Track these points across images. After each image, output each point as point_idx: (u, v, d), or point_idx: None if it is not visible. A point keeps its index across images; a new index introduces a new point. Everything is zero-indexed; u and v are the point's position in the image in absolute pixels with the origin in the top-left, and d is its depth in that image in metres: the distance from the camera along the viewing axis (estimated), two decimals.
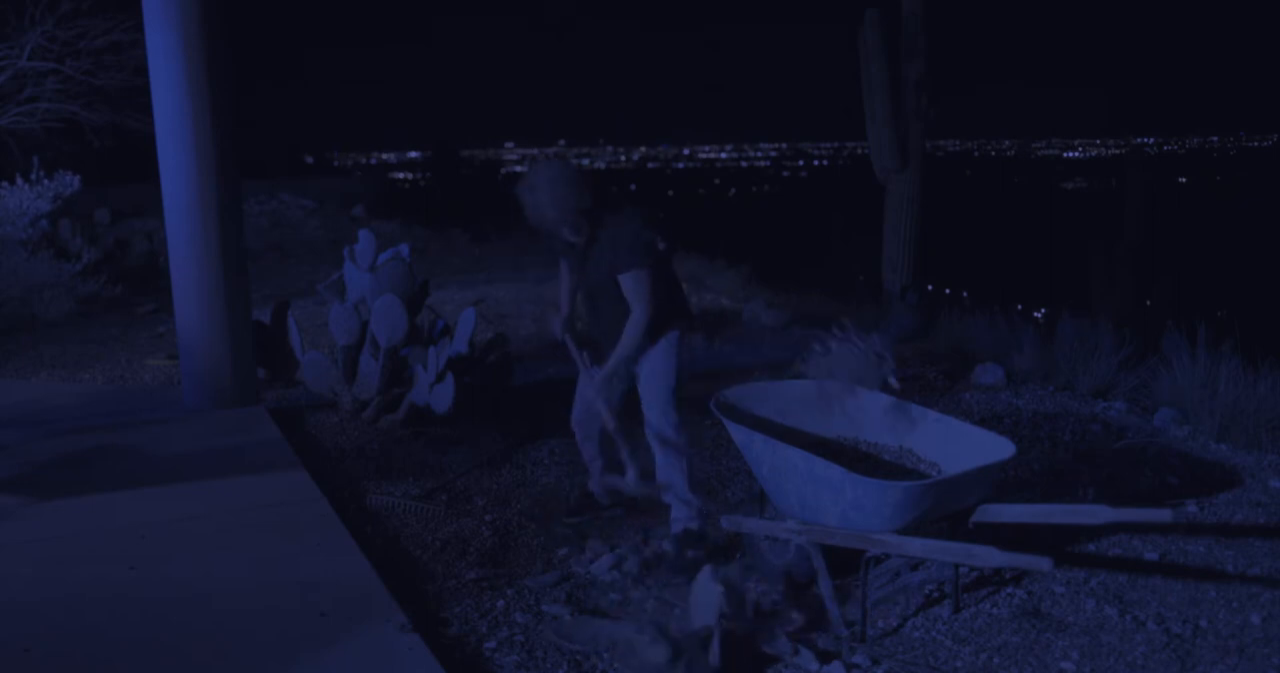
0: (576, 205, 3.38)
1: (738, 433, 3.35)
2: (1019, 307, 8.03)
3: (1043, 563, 2.71)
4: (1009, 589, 3.24)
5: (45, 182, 9.80)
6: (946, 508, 3.03)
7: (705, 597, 2.77)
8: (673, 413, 3.56)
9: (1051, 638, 2.96)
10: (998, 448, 3.10)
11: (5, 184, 9.72)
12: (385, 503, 4.01)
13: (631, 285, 3.41)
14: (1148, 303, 8.14)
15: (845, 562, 3.15)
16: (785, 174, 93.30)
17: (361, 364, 5.09)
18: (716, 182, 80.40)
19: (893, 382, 3.40)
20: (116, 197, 14.43)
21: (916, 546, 2.91)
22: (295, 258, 12.29)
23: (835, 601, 3.02)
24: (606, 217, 3.46)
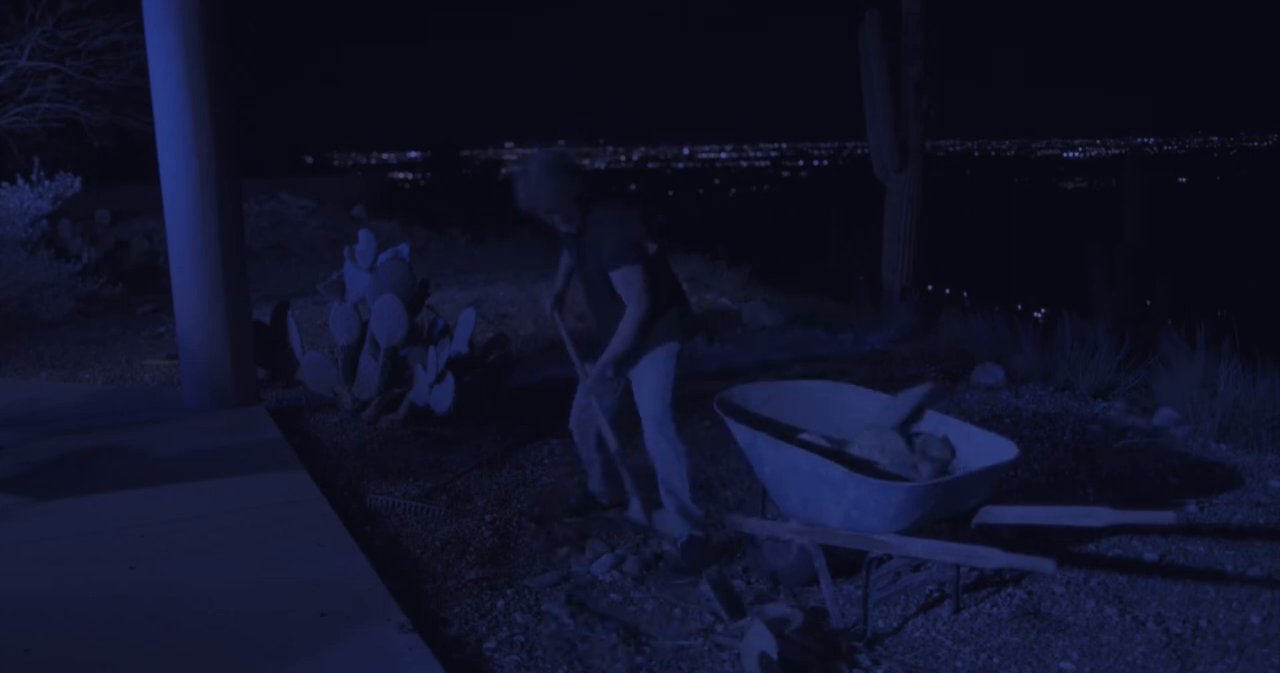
0: (566, 193, 3.39)
1: (741, 433, 3.35)
2: (1019, 307, 8.03)
3: (1046, 565, 2.70)
4: (1009, 589, 3.24)
5: (46, 182, 9.79)
6: (949, 509, 3.03)
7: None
8: (670, 423, 3.53)
9: (1051, 638, 2.96)
10: (1001, 450, 3.09)
11: (5, 184, 9.71)
12: (385, 503, 4.01)
13: (623, 282, 3.39)
14: (1147, 303, 8.13)
15: (847, 562, 3.15)
16: (785, 174, 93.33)
17: (361, 364, 5.08)
18: (716, 182, 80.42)
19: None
20: (116, 197, 14.43)
21: (919, 546, 2.90)
22: (295, 258, 12.29)
23: (837, 601, 3.02)
24: (600, 210, 3.45)
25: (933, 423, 3.37)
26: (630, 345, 3.48)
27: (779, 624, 2.87)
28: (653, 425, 3.53)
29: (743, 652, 2.77)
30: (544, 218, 3.50)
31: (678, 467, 3.56)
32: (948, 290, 10.06)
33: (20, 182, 9.70)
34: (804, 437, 3.45)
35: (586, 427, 3.81)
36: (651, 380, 3.52)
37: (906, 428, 3.36)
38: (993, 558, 2.81)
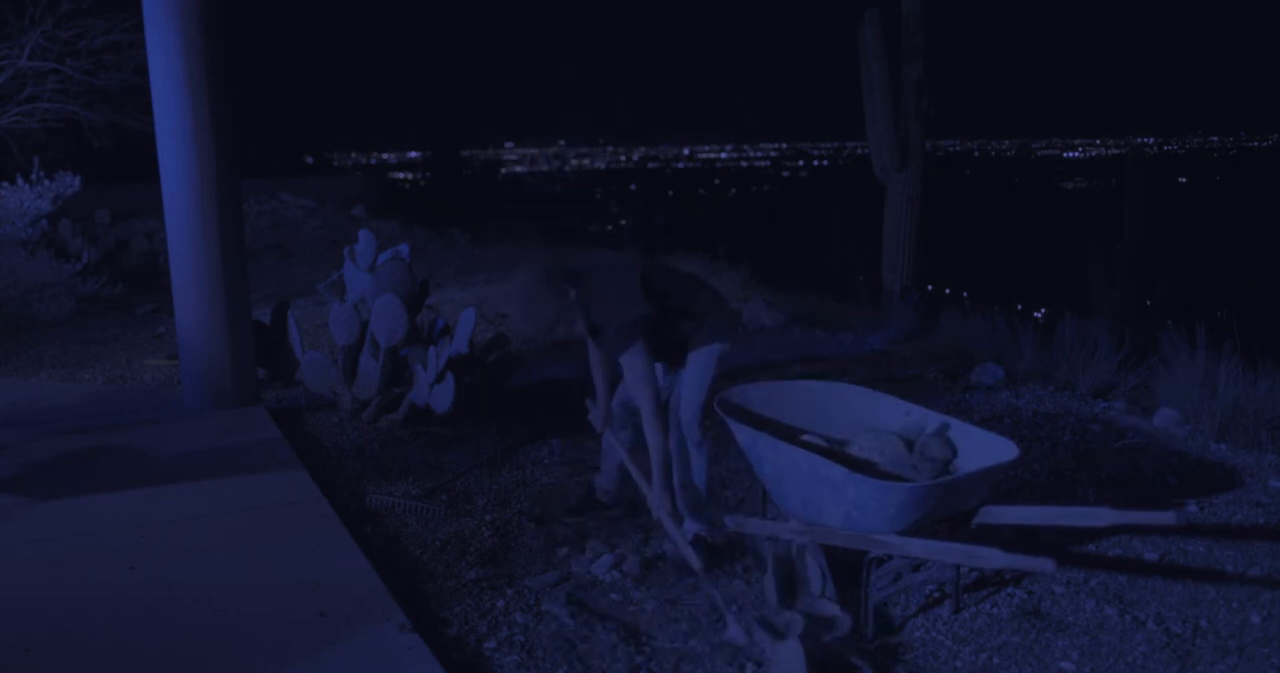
0: (552, 316, 3.29)
1: (741, 433, 3.35)
2: (1019, 307, 8.03)
3: (1046, 564, 2.70)
4: (1009, 590, 3.24)
5: (45, 182, 9.80)
6: (949, 510, 3.02)
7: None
8: (696, 428, 3.53)
9: (1051, 638, 2.96)
10: (1001, 450, 3.09)
11: (5, 184, 9.72)
12: (385, 503, 4.01)
13: (628, 369, 3.29)
14: (1147, 303, 8.14)
15: (847, 563, 3.15)
16: (785, 174, 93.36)
17: (361, 364, 5.08)
18: (716, 182, 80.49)
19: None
20: (116, 197, 14.44)
21: (919, 546, 2.90)
22: (295, 258, 12.29)
23: (837, 601, 3.01)
24: (597, 301, 3.31)
25: (933, 423, 3.37)
26: (666, 446, 3.34)
27: (824, 624, 2.84)
28: (690, 422, 3.53)
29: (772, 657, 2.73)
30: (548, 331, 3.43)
31: (698, 469, 3.57)
32: (948, 290, 10.06)
33: (20, 181, 9.70)
34: (805, 438, 3.45)
35: (628, 410, 3.74)
36: (693, 381, 3.51)
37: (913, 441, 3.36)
38: (993, 558, 2.81)
